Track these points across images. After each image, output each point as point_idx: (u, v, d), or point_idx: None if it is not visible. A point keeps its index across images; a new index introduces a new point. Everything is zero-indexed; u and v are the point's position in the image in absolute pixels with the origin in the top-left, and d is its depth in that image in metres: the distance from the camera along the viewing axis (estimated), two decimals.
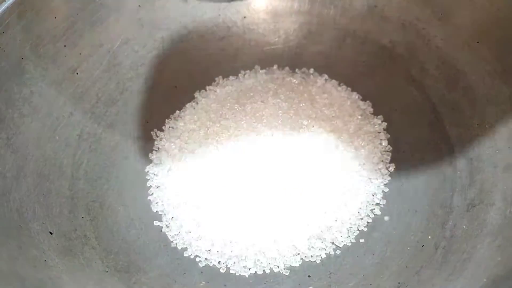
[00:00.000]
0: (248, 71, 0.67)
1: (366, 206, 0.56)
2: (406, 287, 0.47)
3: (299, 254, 0.54)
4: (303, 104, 0.62)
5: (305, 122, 0.60)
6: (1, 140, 0.49)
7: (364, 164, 0.58)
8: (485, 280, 0.41)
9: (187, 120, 0.63)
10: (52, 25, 0.56)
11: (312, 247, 0.54)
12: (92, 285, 0.46)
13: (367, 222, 0.55)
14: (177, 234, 0.55)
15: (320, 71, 0.67)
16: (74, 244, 0.49)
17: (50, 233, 0.48)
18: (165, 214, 0.57)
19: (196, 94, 0.65)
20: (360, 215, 0.56)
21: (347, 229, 0.55)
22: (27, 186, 0.49)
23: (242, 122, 0.60)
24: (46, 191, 0.51)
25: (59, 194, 0.52)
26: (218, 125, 0.61)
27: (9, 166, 0.49)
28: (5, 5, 0.52)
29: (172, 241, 0.55)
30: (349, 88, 0.65)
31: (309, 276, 0.52)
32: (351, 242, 0.54)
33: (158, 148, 0.61)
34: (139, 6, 0.63)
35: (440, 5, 0.60)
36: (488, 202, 0.49)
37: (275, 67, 0.68)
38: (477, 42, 0.56)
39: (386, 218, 0.55)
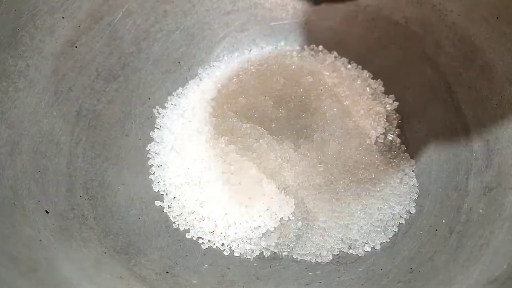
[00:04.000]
0: (254, 47, 0.66)
1: None
2: (419, 273, 0.46)
3: None
4: (312, 81, 0.60)
5: (314, 104, 0.58)
6: None
7: (374, 145, 0.57)
8: (505, 267, 0.40)
9: (190, 98, 0.61)
10: None
11: None
12: (89, 266, 0.44)
13: None
14: (179, 215, 0.54)
15: (329, 48, 0.65)
16: (71, 224, 0.48)
17: (46, 212, 0.46)
18: (166, 194, 0.56)
19: (200, 70, 0.64)
20: None
21: None
22: (22, 163, 0.48)
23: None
24: (43, 169, 0.49)
25: (56, 172, 0.50)
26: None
27: (3, 142, 0.47)
28: None
29: (174, 222, 0.54)
30: (359, 66, 0.64)
31: (316, 261, 0.51)
32: None
33: (160, 126, 0.60)
34: None
35: None
36: (507, 185, 0.47)
37: (282, 43, 0.66)
38: (497, 17, 0.53)
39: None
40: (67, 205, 0.49)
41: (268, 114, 0.57)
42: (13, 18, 0.51)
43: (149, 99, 0.61)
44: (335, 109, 0.57)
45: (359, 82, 0.62)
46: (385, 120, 0.59)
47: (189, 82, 0.63)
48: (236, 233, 0.52)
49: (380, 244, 0.51)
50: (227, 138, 0.56)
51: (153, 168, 0.57)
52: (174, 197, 0.55)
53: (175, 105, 0.61)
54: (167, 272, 0.49)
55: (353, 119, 0.57)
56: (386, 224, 0.52)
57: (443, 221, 0.50)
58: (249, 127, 0.56)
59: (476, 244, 0.44)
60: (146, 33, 0.62)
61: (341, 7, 0.64)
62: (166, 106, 0.61)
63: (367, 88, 0.62)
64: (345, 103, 0.58)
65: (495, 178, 0.49)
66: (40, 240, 0.43)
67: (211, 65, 0.64)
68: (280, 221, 0.53)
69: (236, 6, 0.65)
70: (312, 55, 0.65)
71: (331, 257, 0.51)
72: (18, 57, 0.51)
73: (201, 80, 0.63)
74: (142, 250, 0.50)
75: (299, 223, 0.52)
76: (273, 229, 0.52)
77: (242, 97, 0.58)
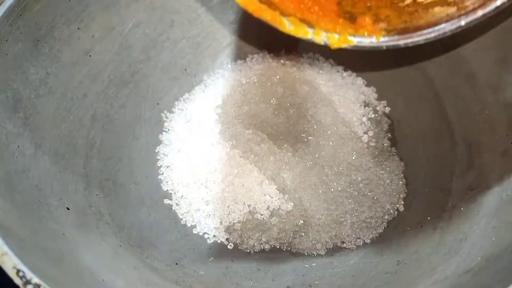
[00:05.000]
0: (256, 55, 0.68)
1: None
2: (404, 265, 0.49)
3: None
4: (309, 90, 0.63)
5: (311, 111, 0.61)
6: (19, 119, 0.50)
7: (366, 148, 0.60)
8: (479, 259, 0.43)
9: (197, 103, 0.64)
10: (66, 8, 0.56)
11: None
12: (107, 257, 0.47)
13: None
14: (187, 212, 0.57)
15: (326, 56, 0.68)
16: (90, 220, 0.51)
17: (67, 209, 0.49)
18: (175, 193, 0.58)
19: (205, 77, 0.66)
20: None
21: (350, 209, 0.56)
22: (45, 164, 0.50)
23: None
24: (62, 169, 0.52)
25: (74, 172, 0.53)
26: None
27: (28, 145, 0.50)
28: None
29: (181, 219, 0.57)
30: (354, 74, 0.66)
31: (312, 254, 0.54)
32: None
33: (168, 130, 0.63)
34: None
35: None
36: (486, 186, 0.50)
37: (282, 51, 0.68)
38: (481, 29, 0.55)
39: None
40: (85, 202, 0.52)
41: (269, 121, 0.60)
42: (34, 30, 0.53)
43: (158, 104, 0.64)
44: (330, 116, 0.60)
45: (353, 89, 0.64)
46: (376, 125, 0.62)
47: (195, 88, 0.66)
48: (239, 229, 0.55)
49: (371, 239, 0.54)
50: (231, 142, 0.59)
51: (162, 168, 0.60)
52: (182, 196, 0.58)
53: (182, 109, 0.64)
54: (176, 263, 0.52)
55: (346, 125, 0.60)
56: (376, 221, 0.55)
57: (428, 218, 0.53)
58: (251, 132, 0.59)
59: (456, 239, 0.48)
60: (155, 42, 0.64)
61: None
62: (174, 110, 0.64)
63: (361, 95, 0.64)
64: (339, 110, 0.61)
65: (476, 179, 0.52)
66: (64, 234, 0.45)
67: (216, 72, 0.67)
68: (279, 218, 0.55)
69: (238, 16, 0.67)
70: (310, 63, 0.67)
71: (325, 251, 0.54)
72: (39, 66, 0.53)
73: (206, 86, 0.66)
74: (154, 244, 0.53)
75: (297, 220, 0.55)
76: (273, 225, 0.55)
77: (245, 105, 0.61)
